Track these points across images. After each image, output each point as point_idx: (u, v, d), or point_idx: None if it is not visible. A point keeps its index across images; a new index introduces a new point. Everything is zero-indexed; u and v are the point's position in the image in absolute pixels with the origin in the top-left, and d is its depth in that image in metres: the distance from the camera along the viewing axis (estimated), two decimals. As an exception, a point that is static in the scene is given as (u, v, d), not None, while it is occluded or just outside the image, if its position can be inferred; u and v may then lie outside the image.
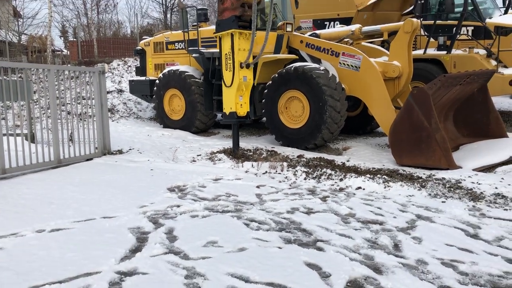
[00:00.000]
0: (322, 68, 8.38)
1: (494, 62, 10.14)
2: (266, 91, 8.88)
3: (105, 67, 7.81)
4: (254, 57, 7.58)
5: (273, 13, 10.06)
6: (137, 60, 15.28)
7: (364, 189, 5.76)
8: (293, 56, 9.08)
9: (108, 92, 13.74)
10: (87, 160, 7.48)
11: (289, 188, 5.78)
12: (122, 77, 14.93)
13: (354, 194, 5.54)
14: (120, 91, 13.88)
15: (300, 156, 7.73)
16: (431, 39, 10.71)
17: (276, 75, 8.70)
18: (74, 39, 21.41)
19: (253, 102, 9.24)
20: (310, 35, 9.54)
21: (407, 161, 7.13)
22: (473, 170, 6.57)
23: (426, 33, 10.94)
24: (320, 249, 3.69)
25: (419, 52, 10.89)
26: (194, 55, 10.13)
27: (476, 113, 8.56)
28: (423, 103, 6.81)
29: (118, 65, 16.01)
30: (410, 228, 4.27)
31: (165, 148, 8.59)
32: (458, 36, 10.77)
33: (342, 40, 9.49)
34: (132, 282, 3.05)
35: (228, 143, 8.70)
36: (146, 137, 9.67)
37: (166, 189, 5.61)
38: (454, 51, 10.44)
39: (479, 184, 5.79)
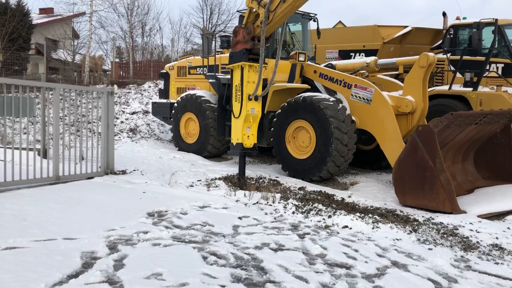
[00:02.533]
0: (331, 99, 8.16)
1: (524, 102, 9.54)
2: (275, 119, 8.74)
3: (114, 88, 7.95)
4: (264, 88, 7.49)
5: (291, 42, 10.01)
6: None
7: (351, 228, 5.44)
8: (304, 85, 8.92)
9: (134, 113, 14.05)
10: (88, 178, 7.55)
11: (272, 222, 5.55)
12: (151, 99, 15.21)
13: (338, 233, 5.23)
14: (146, 112, 14.13)
15: (301, 188, 7.49)
16: (460, 75, 10.29)
17: (286, 104, 8.56)
18: (116, 60, 22.23)
19: (263, 130, 9.13)
20: (325, 66, 9.36)
21: (410, 201, 6.74)
22: (478, 216, 6.09)
23: (454, 68, 10.51)
24: (266, 291, 3.46)
25: (445, 87, 10.47)
26: (210, 80, 10.18)
27: (498, 156, 8.07)
28: (428, 141, 6.45)
29: (149, 87, 16.38)
30: (378, 275, 3.94)
31: (171, 171, 8.55)
32: (487, 73, 10.29)
33: (358, 72, 9.24)
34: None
35: (235, 170, 8.55)
36: (157, 159, 9.72)
37: (146, 213, 5.53)
38: (481, 88, 9.94)
39: (478, 232, 5.34)
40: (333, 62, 9.95)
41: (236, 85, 7.45)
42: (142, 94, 15.65)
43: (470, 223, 5.66)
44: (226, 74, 10.12)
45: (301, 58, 8.79)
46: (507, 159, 7.98)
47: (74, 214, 5.26)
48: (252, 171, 8.68)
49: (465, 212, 6.20)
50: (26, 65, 23.82)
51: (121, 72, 24.09)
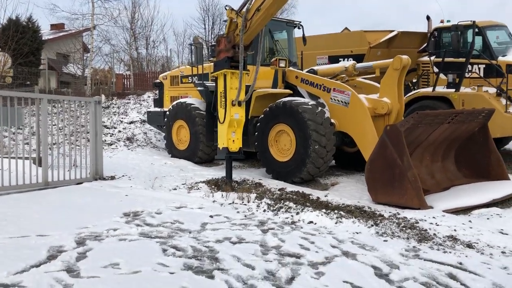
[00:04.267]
0: (310, 103, 8.45)
1: (504, 101, 9.73)
2: (258, 124, 9.04)
3: (101, 97, 8.35)
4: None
5: (276, 49, 10.34)
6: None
7: (315, 223, 5.70)
8: (286, 91, 9.22)
9: (131, 122, 14.47)
10: (78, 184, 7.91)
11: (241, 219, 5.83)
12: (149, 108, 15.62)
13: (302, 227, 5.50)
14: (144, 121, 14.53)
15: (281, 189, 7.75)
16: (444, 77, 10.53)
17: (267, 109, 8.86)
18: (119, 72, 22.86)
19: (248, 135, 9.43)
20: (307, 71, 9.67)
21: (382, 199, 6.97)
22: (444, 211, 6.29)
23: (437, 70, 10.75)
24: (211, 277, 3.74)
25: (429, 89, 10.70)
26: (199, 88, 10.53)
27: (477, 154, 8.26)
28: (396, 140, 6.68)
29: (149, 97, 16.83)
30: (323, 263, 4.19)
31: (159, 176, 8.88)
32: (469, 74, 10.50)
33: (338, 76, 9.53)
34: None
35: (222, 174, 8.85)
36: (148, 165, 10.06)
37: (121, 213, 5.85)
38: (463, 89, 10.15)
39: (438, 225, 5.56)
40: (315, 68, 10.26)
41: (220, 92, 7.80)
42: (141, 104, 16.10)
43: (433, 217, 5.87)
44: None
45: (282, 64, 9.08)
46: (485, 157, 8.18)
47: (53, 215, 5.62)
48: (238, 174, 8.98)
49: (431, 207, 6.42)
50: (37, 80, 24.54)
51: (126, 83, 24.68)
